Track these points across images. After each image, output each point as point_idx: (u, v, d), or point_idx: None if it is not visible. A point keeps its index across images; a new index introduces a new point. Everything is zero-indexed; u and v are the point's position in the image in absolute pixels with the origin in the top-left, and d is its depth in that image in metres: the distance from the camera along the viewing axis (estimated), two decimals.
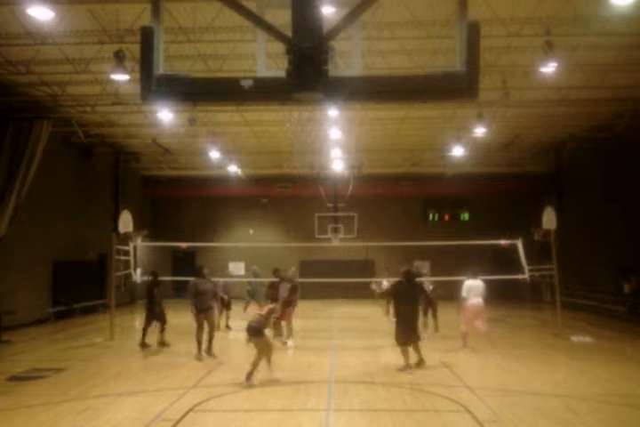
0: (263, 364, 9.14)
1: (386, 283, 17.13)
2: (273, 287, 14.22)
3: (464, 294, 12.35)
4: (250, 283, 17.83)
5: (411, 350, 10.34)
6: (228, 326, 16.18)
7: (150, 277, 13.90)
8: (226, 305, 16.17)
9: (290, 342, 13.10)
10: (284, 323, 13.36)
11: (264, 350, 9.08)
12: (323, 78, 3.03)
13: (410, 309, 10.39)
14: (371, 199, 27.30)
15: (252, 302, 18.20)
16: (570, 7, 11.51)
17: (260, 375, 9.09)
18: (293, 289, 13.44)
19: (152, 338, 13.11)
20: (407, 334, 10.26)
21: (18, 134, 14.25)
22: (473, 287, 12.34)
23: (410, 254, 24.80)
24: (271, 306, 9.68)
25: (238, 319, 17.25)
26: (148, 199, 28.22)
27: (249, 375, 8.92)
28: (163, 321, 13.14)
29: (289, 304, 13.26)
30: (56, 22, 11.78)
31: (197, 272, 11.95)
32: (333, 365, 10.70)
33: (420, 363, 10.37)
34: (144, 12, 10.94)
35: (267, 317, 9.30)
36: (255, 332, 9.09)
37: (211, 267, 14.04)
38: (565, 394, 8.37)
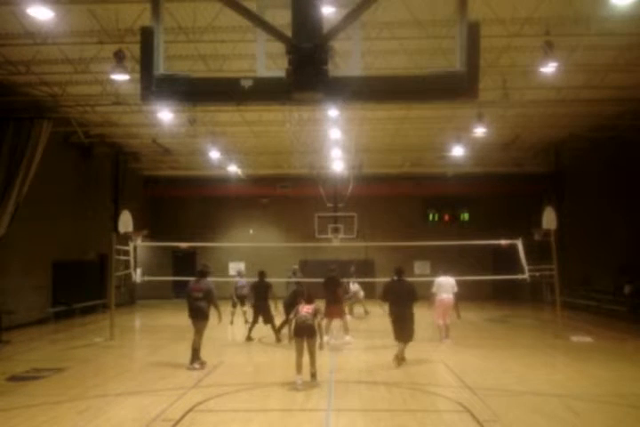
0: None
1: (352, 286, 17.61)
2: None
3: (434, 290, 13.29)
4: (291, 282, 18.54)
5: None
6: (247, 322, 16.65)
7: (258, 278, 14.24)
8: (242, 303, 16.98)
9: (348, 338, 13.50)
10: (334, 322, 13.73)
11: (314, 351, 9.06)
12: (323, 78, 3.03)
13: (400, 307, 10.52)
14: (371, 199, 27.30)
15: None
16: (570, 7, 11.51)
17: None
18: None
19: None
20: (400, 332, 10.51)
21: (18, 134, 14.24)
22: (442, 284, 13.25)
23: (410, 254, 24.86)
24: (314, 305, 9.30)
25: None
26: (147, 199, 28.20)
27: (314, 374, 9.03)
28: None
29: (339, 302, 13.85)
30: (56, 22, 11.77)
31: (206, 272, 11.02)
32: (333, 365, 10.70)
33: (399, 360, 10.54)
34: (144, 12, 10.95)
35: (314, 315, 9.16)
36: (312, 331, 8.96)
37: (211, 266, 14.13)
38: (565, 394, 8.37)
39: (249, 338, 13.82)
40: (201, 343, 10.52)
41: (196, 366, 10.28)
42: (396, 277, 10.92)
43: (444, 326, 13.36)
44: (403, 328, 10.47)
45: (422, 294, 17.56)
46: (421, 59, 13.73)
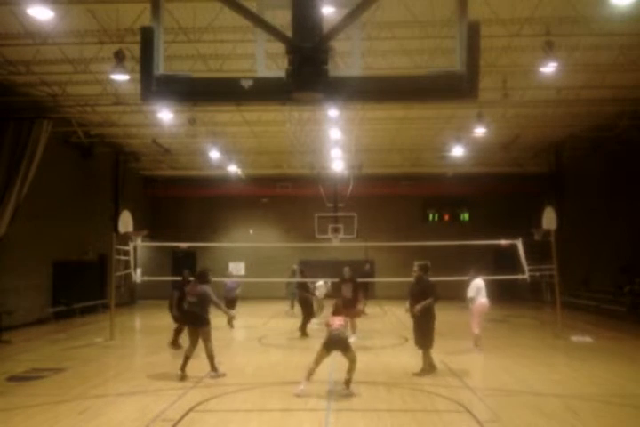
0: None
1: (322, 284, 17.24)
2: (337, 289, 14.24)
3: (472, 293, 11.98)
4: (290, 283, 18.75)
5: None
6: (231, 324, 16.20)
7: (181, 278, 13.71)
8: (232, 307, 16.05)
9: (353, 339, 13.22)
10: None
11: (354, 359, 8.74)
12: (323, 78, 3.03)
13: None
14: (371, 199, 27.31)
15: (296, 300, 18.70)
16: (570, 7, 11.51)
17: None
18: (356, 288, 13.73)
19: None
20: (417, 336, 9.99)
21: (18, 134, 14.24)
22: (481, 287, 12.06)
23: (410, 254, 24.82)
24: (343, 318, 9.02)
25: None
26: (147, 199, 28.22)
27: (348, 382, 8.59)
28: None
29: (354, 304, 13.52)
30: (56, 22, 11.78)
31: (205, 277, 10.19)
32: (333, 365, 10.69)
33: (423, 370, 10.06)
34: (144, 12, 10.95)
35: (345, 327, 8.98)
36: (347, 345, 8.73)
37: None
38: (565, 394, 8.37)
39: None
40: (213, 349, 9.73)
41: (215, 373, 9.63)
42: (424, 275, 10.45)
43: (477, 335, 12.20)
44: (417, 331, 9.96)
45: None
46: (421, 59, 13.73)
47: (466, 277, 12.50)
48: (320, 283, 17.04)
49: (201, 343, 9.68)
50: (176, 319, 12.55)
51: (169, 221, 28.13)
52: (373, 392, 8.62)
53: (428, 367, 9.86)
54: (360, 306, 13.29)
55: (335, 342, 8.64)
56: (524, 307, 23.50)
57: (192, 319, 9.80)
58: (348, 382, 8.57)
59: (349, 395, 8.38)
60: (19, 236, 15.60)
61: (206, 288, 9.88)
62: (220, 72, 13.82)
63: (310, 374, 8.60)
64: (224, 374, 9.71)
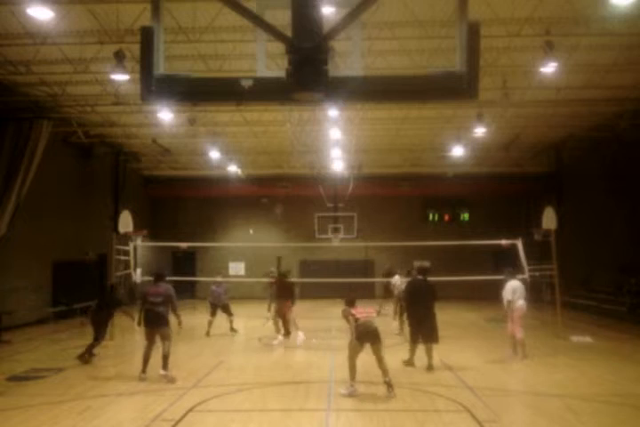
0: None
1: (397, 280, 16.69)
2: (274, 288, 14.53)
3: (509, 296, 11.20)
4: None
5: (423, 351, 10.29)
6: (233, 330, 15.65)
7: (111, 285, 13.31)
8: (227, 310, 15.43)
9: (279, 339, 13.31)
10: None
11: (383, 356, 8.49)
12: (323, 78, 3.03)
13: (421, 307, 10.33)
14: (371, 199, 27.31)
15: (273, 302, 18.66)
16: (570, 7, 11.51)
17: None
18: (291, 289, 14.00)
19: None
20: (418, 333, 10.29)
21: (18, 134, 14.25)
22: (518, 288, 11.33)
23: (410, 254, 24.86)
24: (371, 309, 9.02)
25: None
26: (147, 199, 28.21)
27: (390, 384, 8.32)
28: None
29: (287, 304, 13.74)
30: (56, 22, 11.78)
31: (164, 275, 10.35)
32: (333, 365, 10.69)
33: (429, 368, 10.14)
34: (144, 12, 10.96)
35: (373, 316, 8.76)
36: (379, 336, 8.41)
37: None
38: (565, 394, 8.37)
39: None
40: (170, 348, 9.53)
41: (166, 373, 9.34)
42: (420, 276, 10.77)
43: (521, 339, 11.46)
44: (419, 329, 10.27)
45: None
46: (421, 59, 13.73)
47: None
48: (398, 280, 16.43)
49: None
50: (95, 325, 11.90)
51: (169, 221, 28.14)
52: (373, 392, 8.61)
53: (410, 361, 10.39)
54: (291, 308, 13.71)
55: (367, 334, 8.31)
56: None
57: (153, 319, 9.54)
58: (390, 384, 8.31)
59: (393, 397, 8.18)
60: (19, 236, 15.60)
61: (171, 289, 9.86)
62: (220, 72, 13.81)
63: (354, 373, 8.43)
64: (174, 379, 9.29)
